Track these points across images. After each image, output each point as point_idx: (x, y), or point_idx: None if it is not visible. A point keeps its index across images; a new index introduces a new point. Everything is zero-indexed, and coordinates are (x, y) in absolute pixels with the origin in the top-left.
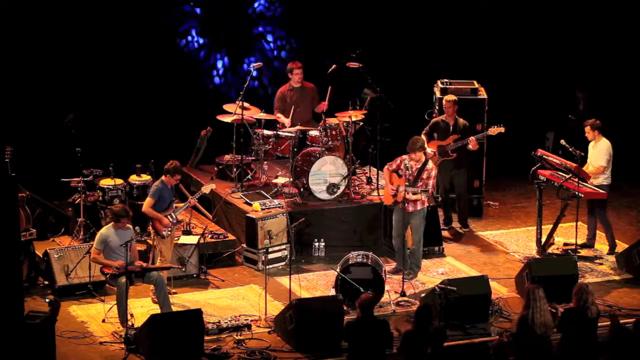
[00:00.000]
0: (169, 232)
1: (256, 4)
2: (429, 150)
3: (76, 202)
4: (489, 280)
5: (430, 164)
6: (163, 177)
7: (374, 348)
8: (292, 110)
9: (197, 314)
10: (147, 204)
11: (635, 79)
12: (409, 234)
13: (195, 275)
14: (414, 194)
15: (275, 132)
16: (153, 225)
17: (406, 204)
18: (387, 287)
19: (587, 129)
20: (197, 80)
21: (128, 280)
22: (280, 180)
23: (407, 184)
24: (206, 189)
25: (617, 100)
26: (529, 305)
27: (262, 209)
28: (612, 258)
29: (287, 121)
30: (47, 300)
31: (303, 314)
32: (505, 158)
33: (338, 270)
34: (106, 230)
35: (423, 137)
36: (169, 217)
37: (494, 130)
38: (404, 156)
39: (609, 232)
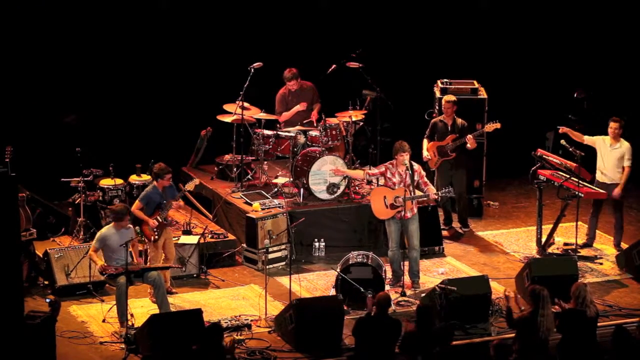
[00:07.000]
0: (157, 236)
1: None
2: (425, 154)
3: (76, 202)
4: (489, 280)
5: (416, 165)
6: (154, 182)
7: (383, 346)
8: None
9: (197, 313)
10: (134, 206)
11: (634, 78)
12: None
13: (195, 275)
14: (432, 194)
15: (275, 132)
16: (141, 229)
17: (405, 212)
18: (387, 287)
19: (617, 125)
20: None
21: (127, 280)
22: (280, 180)
23: (404, 191)
24: (189, 185)
25: (616, 99)
26: (537, 308)
27: (262, 209)
28: (612, 258)
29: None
30: (47, 300)
31: (303, 314)
32: (505, 158)
33: (338, 270)
34: (106, 230)
35: (424, 142)
36: (155, 219)
37: (490, 127)
38: (387, 164)
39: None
